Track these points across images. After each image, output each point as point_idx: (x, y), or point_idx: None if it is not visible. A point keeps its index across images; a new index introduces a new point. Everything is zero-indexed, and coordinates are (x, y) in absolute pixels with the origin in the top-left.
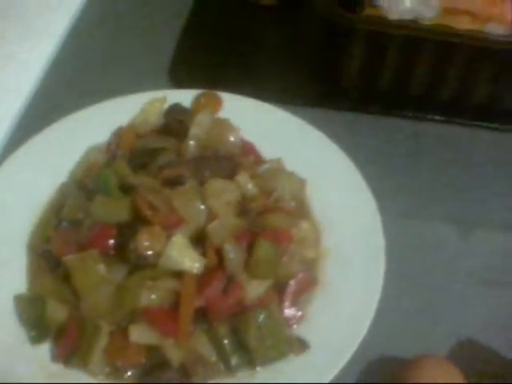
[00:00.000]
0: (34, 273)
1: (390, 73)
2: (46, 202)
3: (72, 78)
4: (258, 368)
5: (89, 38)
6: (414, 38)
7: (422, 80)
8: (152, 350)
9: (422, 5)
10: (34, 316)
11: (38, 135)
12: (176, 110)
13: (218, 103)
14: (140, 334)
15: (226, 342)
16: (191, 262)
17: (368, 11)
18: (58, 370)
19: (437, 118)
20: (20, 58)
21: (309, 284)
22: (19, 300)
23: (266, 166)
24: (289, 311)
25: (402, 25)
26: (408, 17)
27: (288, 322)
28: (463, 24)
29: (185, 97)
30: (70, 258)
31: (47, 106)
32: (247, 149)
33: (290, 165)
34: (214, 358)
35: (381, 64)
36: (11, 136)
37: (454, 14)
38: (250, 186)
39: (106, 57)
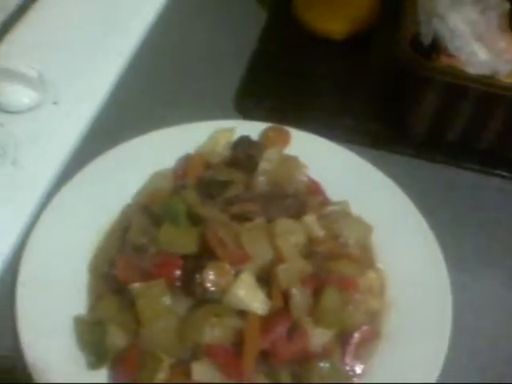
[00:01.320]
0: (95, 296)
1: (460, 124)
2: (109, 223)
3: (137, 101)
4: None
5: (156, 62)
6: (490, 94)
7: (491, 135)
8: None
9: (497, 59)
10: (93, 340)
11: (104, 155)
12: (245, 142)
13: (286, 138)
14: (203, 373)
15: None
16: (257, 302)
17: (443, 59)
18: None
19: (504, 173)
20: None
21: (372, 337)
22: (80, 322)
23: (332, 207)
24: (351, 363)
25: (479, 79)
26: (485, 72)
27: (349, 374)
28: None
29: (252, 129)
30: (136, 287)
31: (112, 128)
32: (314, 188)
33: (355, 208)
34: None
35: (451, 115)
36: (75, 155)
37: None
38: (317, 228)
39: (172, 82)
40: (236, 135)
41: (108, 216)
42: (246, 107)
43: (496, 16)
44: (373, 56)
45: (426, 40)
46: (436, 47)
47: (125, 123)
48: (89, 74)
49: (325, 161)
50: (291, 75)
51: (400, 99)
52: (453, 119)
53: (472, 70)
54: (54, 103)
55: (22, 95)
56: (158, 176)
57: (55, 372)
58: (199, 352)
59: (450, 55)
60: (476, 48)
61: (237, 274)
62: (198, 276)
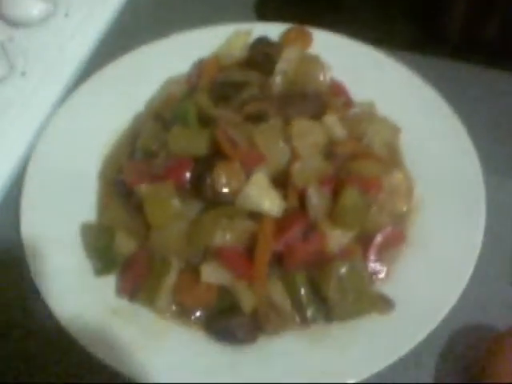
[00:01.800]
0: (105, 202)
1: (498, 20)
2: (120, 130)
3: (154, 6)
4: (334, 323)
5: None
6: None
7: None
8: (223, 292)
9: None
10: (101, 246)
11: (115, 61)
12: (263, 43)
13: (308, 39)
14: (212, 274)
15: (302, 291)
16: (271, 203)
17: None
18: (122, 306)
19: None
20: None
21: (397, 240)
22: (87, 229)
23: (356, 109)
24: (373, 266)
25: None
26: None
27: (372, 277)
28: None
29: (272, 31)
30: (143, 188)
31: (126, 36)
32: (337, 89)
33: (383, 110)
34: (288, 308)
35: (488, 8)
36: (90, 60)
37: None
38: (339, 129)
39: None
40: (254, 38)
41: (119, 123)
42: (266, 11)
43: None
44: None
45: None
46: None
47: (140, 30)
48: None
49: (351, 61)
50: None
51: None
52: (490, 14)
53: None
54: (66, 15)
55: (31, 7)
56: (171, 82)
57: (62, 280)
58: (209, 255)
59: None
60: None
61: (249, 175)
62: (208, 177)
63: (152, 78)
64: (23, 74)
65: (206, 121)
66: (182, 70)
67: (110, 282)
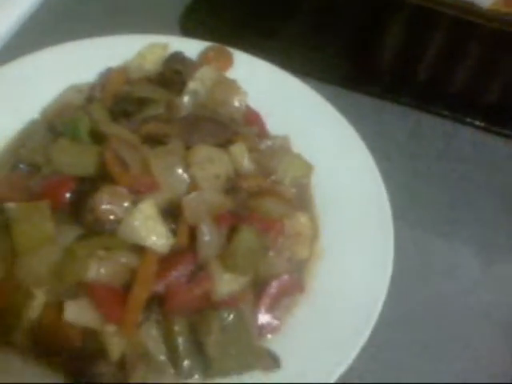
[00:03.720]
0: None
1: (431, 59)
2: (9, 136)
3: (73, 8)
4: (213, 378)
5: None
6: (466, 22)
7: (467, 76)
8: (90, 335)
9: None
10: None
11: (16, 60)
12: (177, 58)
13: (228, 60)
14: (77, 312)
15: (180, 340)
16: (156, 236)
17: None
18: None
19: (476, 123)
20: None
21: (293, 289)
22: None
23: (269, 141)
24: (264, 318)
25: (456, 5)
26: None
27: (261, 330)
28: None
29: (192, 47)
30: (13, 206)
31: (37, 34)
32: (252, 118)
33: (297, 145)
34: (162, 357)
35: (422, 48)
36: None
37: None
38: (246, 161)
39: None
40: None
41: (8, 130)
42: (191, 27)
43: None
44: None
45: None
46: None
47: (53, 32)
48: None
49: (270, 90)
50: None
51: (369, 32)
52: (422, 54)
53: None
54: None
55: None
56: (72, 90)
57: None
58: (80, 290)
59: None
60: None
61: (138, 203)
62: (90, 200)
63: (54, 83)
64: None
65: (99, 137)
66: (87, 78)
67: None
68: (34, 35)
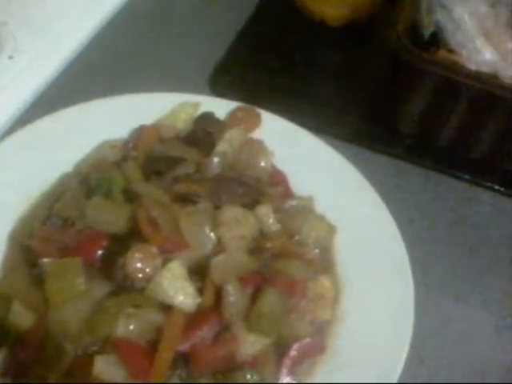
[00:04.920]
0: (9, 267)
1: (454, 127)
2: (43, 189)
3: (107, 64)
4: None
5: (138, 26)
6: (490, 94)
7: (488, 143)
8: None
9: (502, 60)
10: None
11: (52, 115)
12: (208, 119)
13: (256, 121)
14: (105, 368)
15: None
16: (184, 296)
17: (442, 53)
18: None
19: (496, 187)
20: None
21: (315, 351)
22: None
23: (294, 202)
24: (285, 379)
25: (479, 77)
26: (486, 70)
27: None
28: None
29: (221, 107)
30: (47, 261)
31: (75, 88)
32: (277, 178)
33: (321, 206)
34: None
35: (446, 115)
36: (27, 108)
37: None
38: (271, 222)
39: (149, 51)
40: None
41: (43, 182)
42: (220, 85)
43: (507, 12)
44: (370, 47)
45: (427, 31)
46: (436, 40)
47: (87, 88)
48: (55, 31)
49: (295, 151)
50: (277, 59)
51: (393, 96)
52: (445, 120)
53: (474, 67)
54: (9, 58)
55: None
56: (106, 145)
57: None
58: (109, 345)
59: (450, 50)
60: (480, 45)
61: (167, 262)
62: (120, 258)
63: (88, 139)
64: None
65: (131, 196)
66: (121, 134)
67: None
68: (67, 90)
